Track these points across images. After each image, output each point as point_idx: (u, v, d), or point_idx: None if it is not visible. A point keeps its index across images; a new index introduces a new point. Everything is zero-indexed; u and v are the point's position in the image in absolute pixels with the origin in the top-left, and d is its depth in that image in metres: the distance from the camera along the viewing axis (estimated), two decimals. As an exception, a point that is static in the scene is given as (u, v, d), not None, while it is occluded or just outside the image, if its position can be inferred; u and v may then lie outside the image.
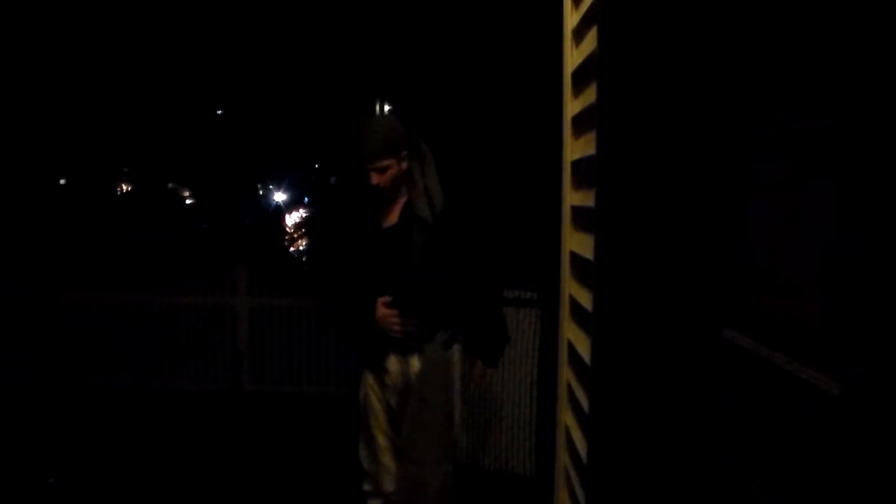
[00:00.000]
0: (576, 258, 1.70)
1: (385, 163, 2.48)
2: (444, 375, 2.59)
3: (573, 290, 1.75)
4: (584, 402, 1.48)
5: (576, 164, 1.72)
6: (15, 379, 4.85)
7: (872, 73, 0.81)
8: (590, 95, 1.44)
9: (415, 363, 2.59)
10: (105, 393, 4.94)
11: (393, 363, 2.62)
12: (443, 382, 2.59)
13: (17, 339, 5.05)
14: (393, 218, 2.60)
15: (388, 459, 2.66)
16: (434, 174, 2.57)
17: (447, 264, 2.55)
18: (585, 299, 1.52)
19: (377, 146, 2.48)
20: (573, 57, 1.70)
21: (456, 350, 2.64)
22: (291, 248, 18.58)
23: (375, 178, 2.49)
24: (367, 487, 2.73)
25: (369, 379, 2.68)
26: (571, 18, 1.71)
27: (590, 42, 1.47)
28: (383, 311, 2.54)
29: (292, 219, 21.62)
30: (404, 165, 2.54)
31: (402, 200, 2.60)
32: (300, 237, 19.10)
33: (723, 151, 1.24)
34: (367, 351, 2.67)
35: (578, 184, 1.71)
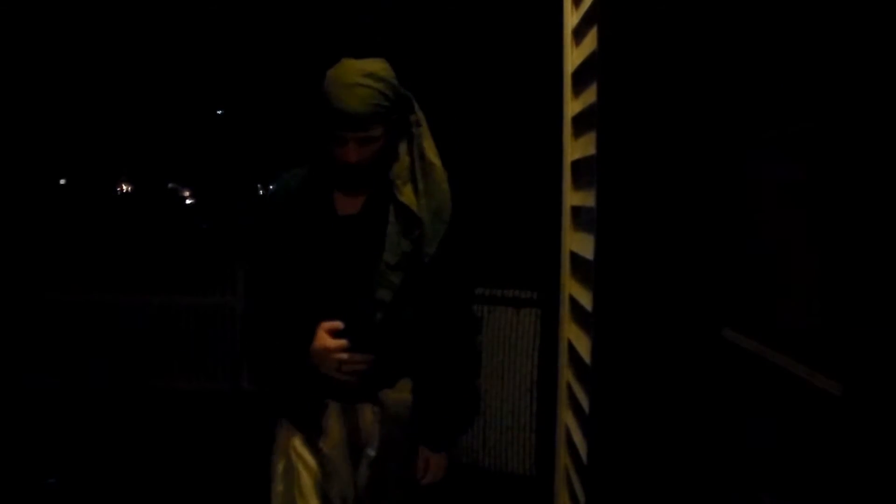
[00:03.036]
0: (576, 258, 1.70)
1: (374, 132, 1.63)
2: (410, 435, 1.78)
3: (573, 290, 1.75)
4: (584, 402, 1.48)
5: (576, 164, 1.72)
6: (15, 378, 4.85)
7: (859, 78, 0.81)
8: (590, 95, 1.44)
9: (367, 416, 1.76)
10: (105, 393, 4.94)
11: (333, 417, 1.75)
12: (409, 446, 1.78)
13: (18, 338, 5.05)
14: (354, 204, 1.74)
15: None
16: (433, 148, 1.76)
17: (434, 280, 1.74)
18: (585, 299, 1.52)
19: (366, 106, 1.60)
20: (573, 57, 1.70)
21: None
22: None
23: (354, 154, 1.63)
24: None
25: (294, 442, 1.78)
26: (571, 18, 1.71)
27: (590, 42, 1.47)
28: (326, 341, 1.67)
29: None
30: (388, 137, 1.69)
31: (373, 182, 1.74)
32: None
33: (723, 151, 1.24)
34: (292, 399, 1.79)
35: (578, 184, 1.71)
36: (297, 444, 1.77)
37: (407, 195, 1.73)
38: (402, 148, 1.74)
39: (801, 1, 1.01)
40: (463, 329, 1.83)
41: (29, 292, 5.23)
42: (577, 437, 1.58)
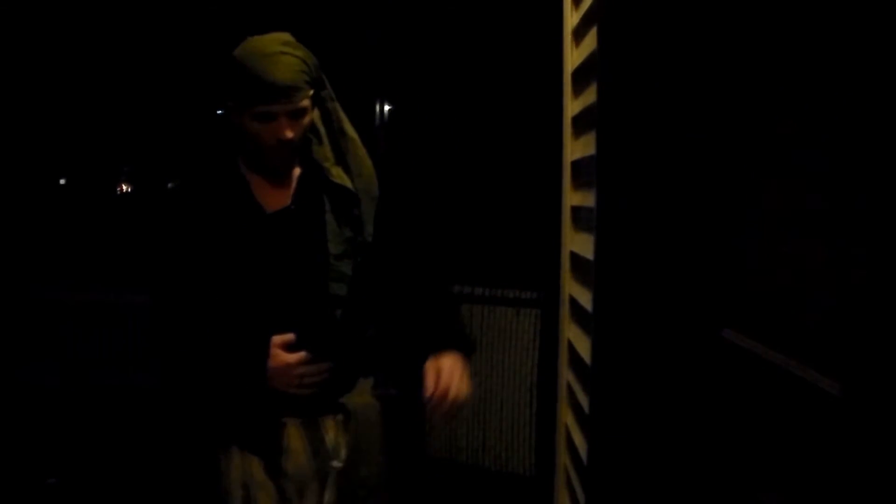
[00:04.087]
0: (576, 258, 1.70)
1: (303, 103, 1.51)
2: (382, 439, 1.69)
3: (573, 290, 1.74)
4: (584, 402, 1.48)
5: (576, 164, 1.72)
6: (16, 378, 4.85)
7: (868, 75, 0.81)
8: (590, 95, 1.44)
9: (329, 427, 1.63)
10: (105, 392, 4.94)
11: (294, 436, 1.61)
12: (383, 451, 1.68)
13: (18, 338, 5.05)
14: (281, 198, 1.61)
15: None
16: (349, 122, 1.65)
17: (384, 259, 1.65)
18: (585, 299, 1.52)
19: (293, 74, 1.48)
20: (573, 57, 1.70)
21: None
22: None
23: (289, 129, 1.50)
24: None
25: (252, 469, 1.61)
26: (571, 18, 1.71)
27: (590, 42, 1.47)
28: (285, 357, 1.53)
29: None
30: (312, 113, 1.57)
31: (296, 171, 1.62)
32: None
33: (723, 151, 1.24)
34: (245, 423, 1.62)
35: (578, 184, 1.71)
36: (256, 471, 1.60)
37: (339, 175, 1.61)
38: (322, 128, 1.62)
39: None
40: (436, 277, 1.70)
41: (28, 292, 5.23)
42: (577, 437, 1.58)
